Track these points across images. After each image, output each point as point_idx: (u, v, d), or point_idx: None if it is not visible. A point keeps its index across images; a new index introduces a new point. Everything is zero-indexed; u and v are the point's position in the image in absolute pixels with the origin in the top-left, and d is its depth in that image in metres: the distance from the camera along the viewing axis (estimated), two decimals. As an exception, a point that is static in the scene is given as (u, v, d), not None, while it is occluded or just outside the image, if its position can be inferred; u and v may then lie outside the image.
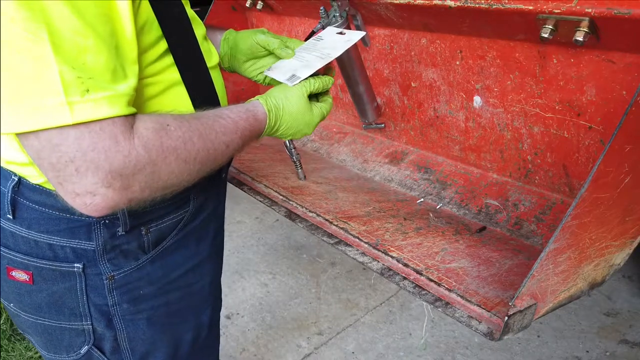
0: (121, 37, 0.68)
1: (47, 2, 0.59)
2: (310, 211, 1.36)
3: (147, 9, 0.74)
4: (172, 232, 0.92)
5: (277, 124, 0.93)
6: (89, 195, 0.65)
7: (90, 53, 0.63)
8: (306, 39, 1.15)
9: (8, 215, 0.83)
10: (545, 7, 1.01)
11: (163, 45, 0.79)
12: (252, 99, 0.94)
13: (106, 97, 0.64)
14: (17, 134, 0.64)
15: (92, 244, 0.84)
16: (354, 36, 1.07)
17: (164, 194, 0.75)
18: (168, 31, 0.79)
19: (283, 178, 1.59)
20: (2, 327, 2.24)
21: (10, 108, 0.61)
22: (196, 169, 0.76)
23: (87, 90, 0.62)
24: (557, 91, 1.20)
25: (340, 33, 1.09)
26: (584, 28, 0.98)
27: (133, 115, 0.69)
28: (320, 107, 0.99)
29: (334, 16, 1.40)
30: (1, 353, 2.16)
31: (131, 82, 0.69)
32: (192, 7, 0.92)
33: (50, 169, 0.65)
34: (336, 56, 1.02)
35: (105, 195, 0.66)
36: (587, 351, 2.03)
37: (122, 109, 0.66)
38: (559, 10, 0.99)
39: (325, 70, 1.03)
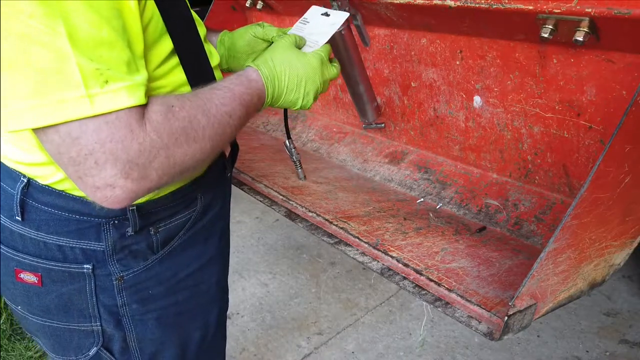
0: (131, 32, 0.68)
1: None
2: (310, 211, 1.36)
3: (152, 8, 0.74)
4: (180, 231, 0.92)
5: (275, 77, 0.91)
6: (109, 188, 0.65)
7: (107, 45, 0.64)
8: None
9: (17, 217, 0.83)
10: (545, 7, 1.01)
11: (168, 46, 0.79)
12: None
13: (125, 87, 0.65)
14: (36, 130, 0.64)
15: (101, 245, 0.84)
16: (339, 18, 1.08)
17: (183, 177, 0.75)
18: (173, 31, 0.79)
19: (283, 178, 1.59)
20: (2, 327, 2.24)
21: (30, 103, 0.61)
22: (209, 146, 0.76)
23: (106, 82, 0.63)
24: (557, 91, 1.20)
25: (325, 14, 1.10)
26: (584, 28, 0.98)
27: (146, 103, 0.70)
28: (316, 52, 0.98)
29: (334, 16, 1.40)
30: (1, 353, 2.16)
31: (144, 74, 0.69)
32: (191, 7, 0.92)
33: (71, 163, 0.65)
34: (324, 42, 1.02)
35: (124, 186, 0.66)
36: (587, 351, 2.04)
37: (141, 98, 0.67)
38: (559, 10, 1.00)
39: None
